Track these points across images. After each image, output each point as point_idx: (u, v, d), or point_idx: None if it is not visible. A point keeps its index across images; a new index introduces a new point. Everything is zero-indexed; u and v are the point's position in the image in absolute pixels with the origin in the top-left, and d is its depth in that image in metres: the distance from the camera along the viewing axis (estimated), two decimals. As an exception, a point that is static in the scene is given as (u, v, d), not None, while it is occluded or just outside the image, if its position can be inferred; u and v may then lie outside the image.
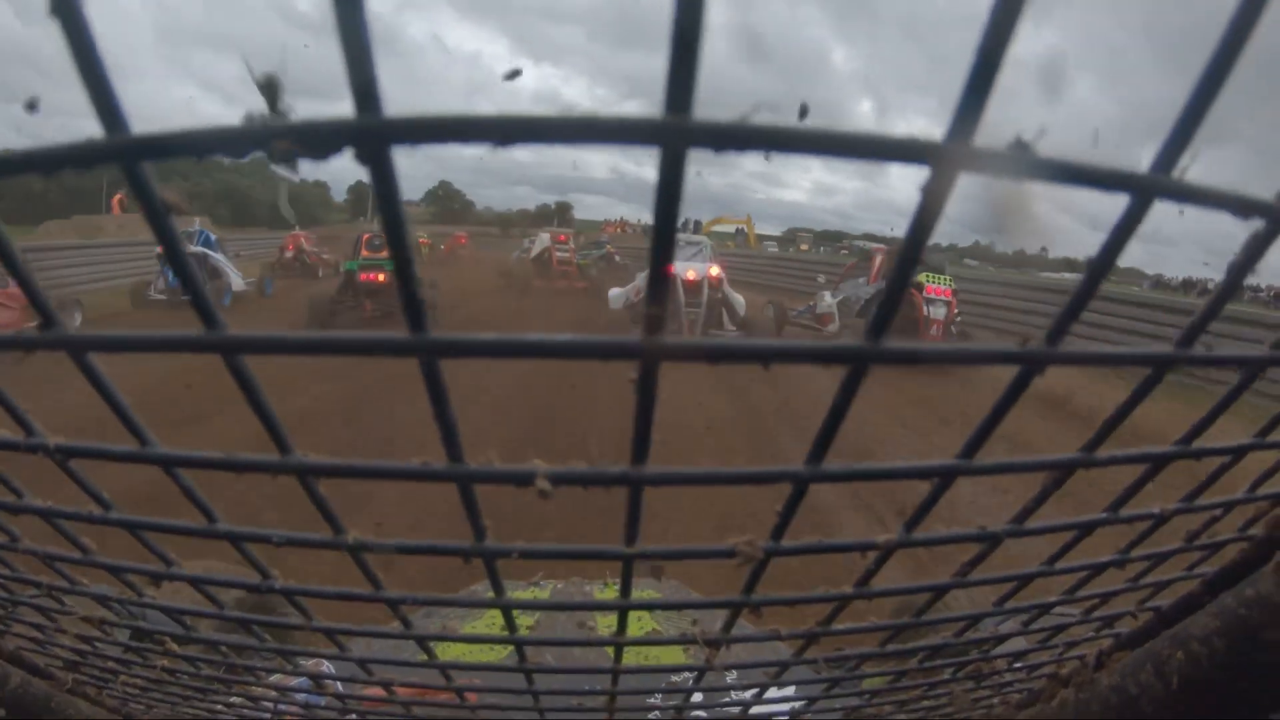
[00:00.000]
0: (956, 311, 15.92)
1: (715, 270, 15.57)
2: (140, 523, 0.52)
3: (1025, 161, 0.26)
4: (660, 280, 0.28)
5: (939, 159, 0.26)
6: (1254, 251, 0.34)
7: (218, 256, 19.65)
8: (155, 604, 0.66)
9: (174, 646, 0.78)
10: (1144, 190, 0.29)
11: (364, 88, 0.24)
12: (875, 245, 20.77)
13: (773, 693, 0.84)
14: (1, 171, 0.28)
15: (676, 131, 0.24)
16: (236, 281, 20.29)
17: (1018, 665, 0.82)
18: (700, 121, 0.24)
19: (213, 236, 20.17)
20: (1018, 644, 0.80)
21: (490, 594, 0.55)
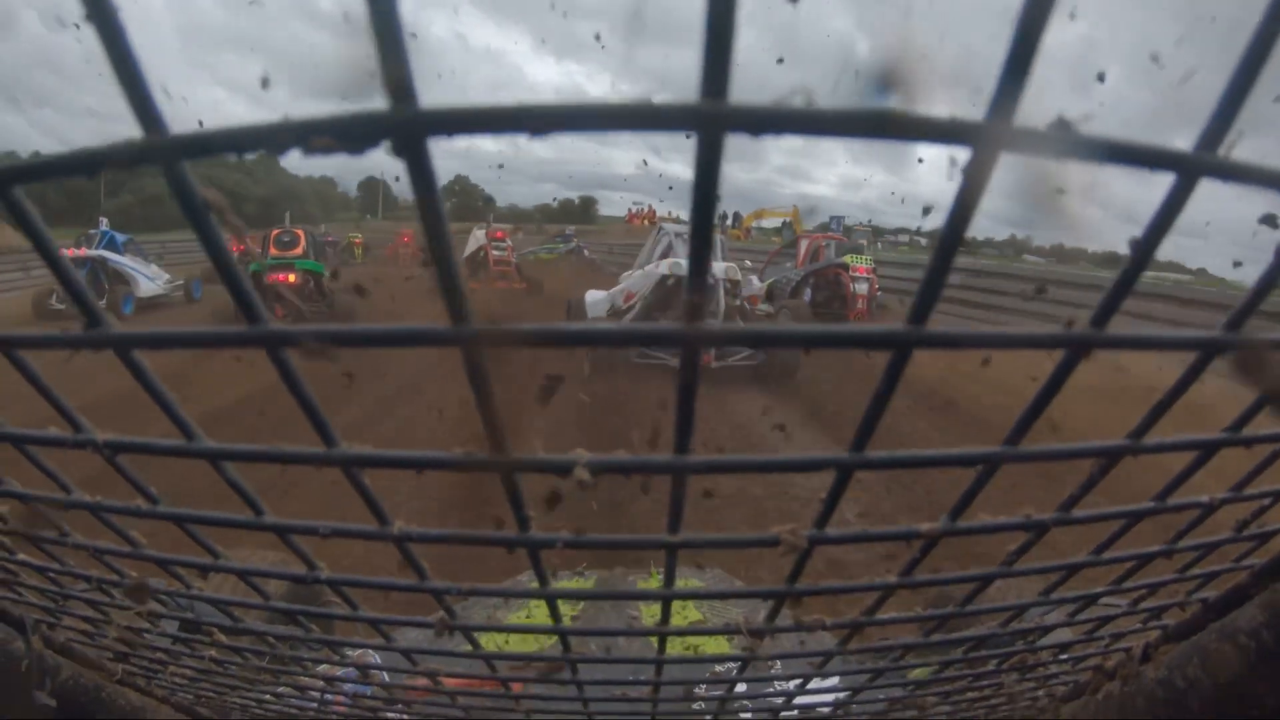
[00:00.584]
0: (878, 288, 18.43)
1: (737, 274, 11.97)
2: (188, 516, 0.53)
3: (1067, 140, 0.26)
4: (700, 267, 0.28)
5: (980, 139, 0.25)
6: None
7: (120, 259, 17.87)
8: (203, 596, 0.68)
9: (221, 638, 0.79)
10: (1189, 169, 0.29)
11: (398, 80, 0.24)
12: (803, 234, 22.98)
13: (817, 683, 0.84)
14: (46, 174, 0.28)
15: (714, 116, 0.24)
16: (148, 286, 18.34)
17: (1063, 657, 0.82)
18: (738, 105, 0.24)
19: (120, 237, 18.21)
20: (1063, 635, 0.79)
21: (534, 584, 0.56)
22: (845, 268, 17.90)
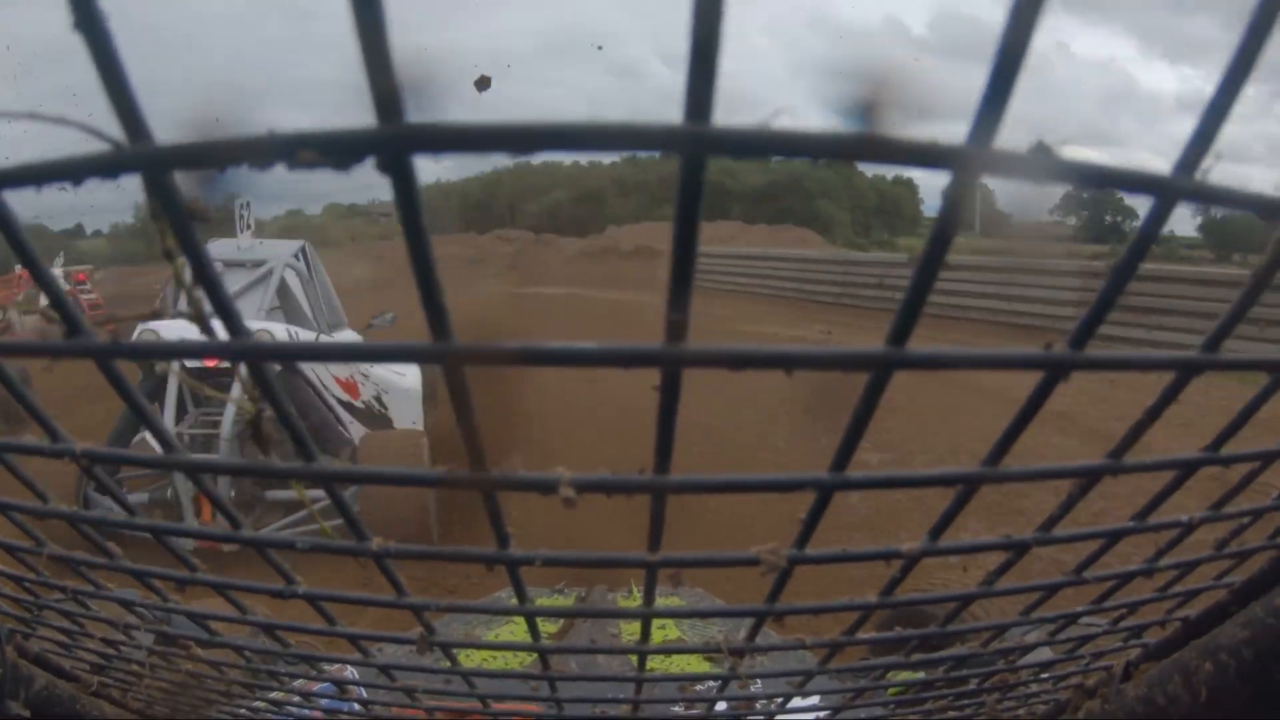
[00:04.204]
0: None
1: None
2: (165, 528, 0.52)
3: (1047, 164, 0.26)
4: (682, 285, 0.28)
5: (961, 163, 0.25)
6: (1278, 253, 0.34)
7: None
8: (180, 609, 0.67)
9: (198, 651, 0.79)
10: (1168, 192, 0.29)
11: (385, 95, 0.24)
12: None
13: (797, 702, 0.84)
14: (27, 181, 0.28)
15: (695, 139, 0.24)
16: None
17: (1044, 676, 0.82)
18: (720, 129, 0.24)
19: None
20: (1044, 654, 0.80)
21: (514, 601, 0.55)
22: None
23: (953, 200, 0.27)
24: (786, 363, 0.31)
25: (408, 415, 8.15)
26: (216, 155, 0.26)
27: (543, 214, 42.70)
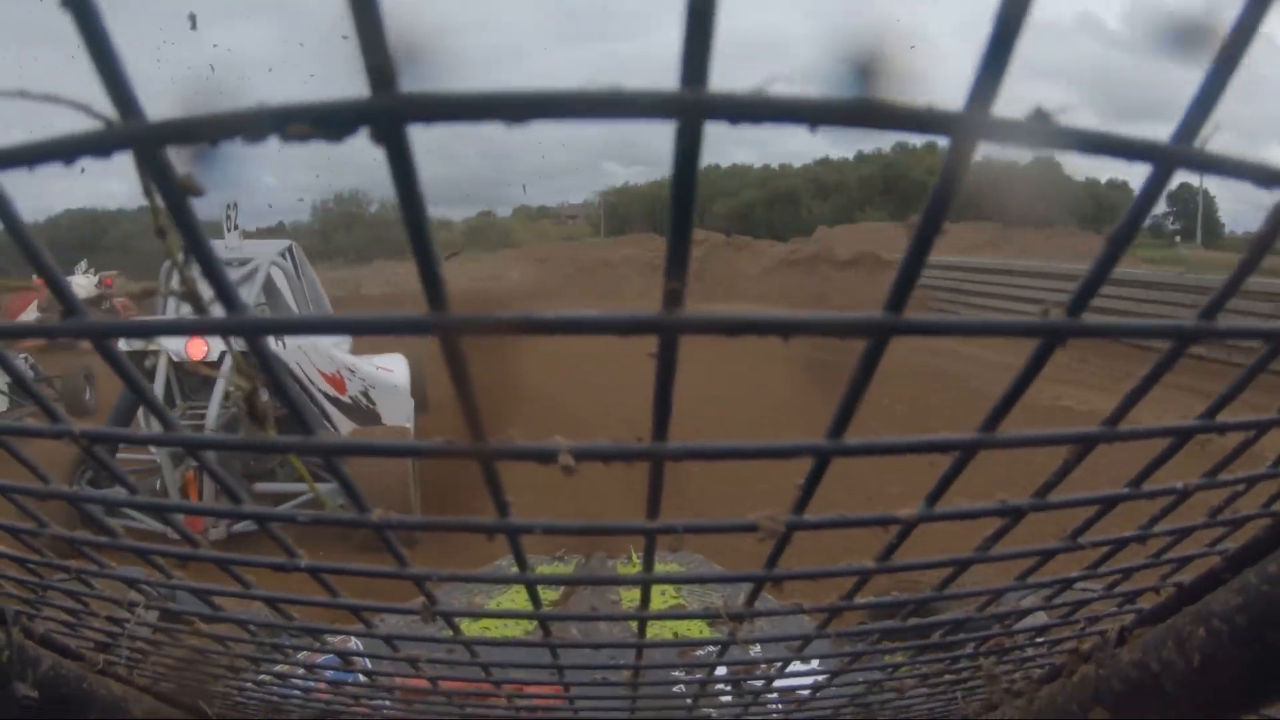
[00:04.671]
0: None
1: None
2: (166, 505, 0.53)
3: (1046, 131, 0.26)
4: (679, 252, 0.28)
5: (958, 128, 0.25)
6: (1278, 222, 0.34)
7: None
8: (183, 585, 0.67)
9: (202, 626, 0.79)
10: (1166, 160, 0.29)
11: (378, 64, 0.24)
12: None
13: (796, 666, 0.84)
14: (20, 162, 0.28)
15: (693, 104, 0.24)
16: None
17: (1039, 640, 0.82)
18: (717, 94, 0.24)
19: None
20: (1039, 619, 0.80)
21: (514, 569, 0.56)
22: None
23: (951, 167, 0.27)
24: (784, 329, 0.31)
25: (396, 412, 8.18)
26: (207, 129, 0.26)
27: (733, 215, 40.61)
